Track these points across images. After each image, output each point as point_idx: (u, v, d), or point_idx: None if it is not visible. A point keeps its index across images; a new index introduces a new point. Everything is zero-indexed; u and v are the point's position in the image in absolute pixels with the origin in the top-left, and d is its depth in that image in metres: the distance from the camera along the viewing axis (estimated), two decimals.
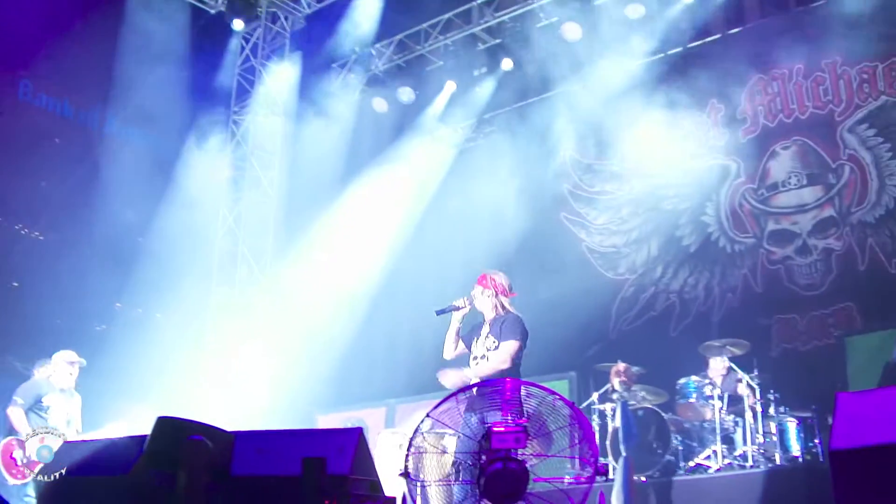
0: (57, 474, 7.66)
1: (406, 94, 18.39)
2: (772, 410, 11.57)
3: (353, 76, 18.84)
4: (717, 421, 11.51)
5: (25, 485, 10.85)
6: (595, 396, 12.87)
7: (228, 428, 7.65)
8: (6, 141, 16.94)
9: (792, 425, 11.51)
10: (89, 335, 16.59)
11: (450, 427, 6.33)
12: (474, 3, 17.16)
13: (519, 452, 6.03)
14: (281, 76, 18.70)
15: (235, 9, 18.14)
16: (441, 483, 6.50)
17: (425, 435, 6.49)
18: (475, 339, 8.99)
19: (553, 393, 6.37)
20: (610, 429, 12.04)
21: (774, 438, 11.43)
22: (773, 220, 15.14)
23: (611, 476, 10.66)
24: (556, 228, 17.52)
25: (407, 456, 6.32)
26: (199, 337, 17.16)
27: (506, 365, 8.47)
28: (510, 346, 8.58)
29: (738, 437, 11.67)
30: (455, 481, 6.57)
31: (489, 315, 9.02)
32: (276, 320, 17.13)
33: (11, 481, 10.96)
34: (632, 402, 11.98)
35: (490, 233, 16.91)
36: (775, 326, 14.67)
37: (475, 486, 6.06)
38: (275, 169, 18.68)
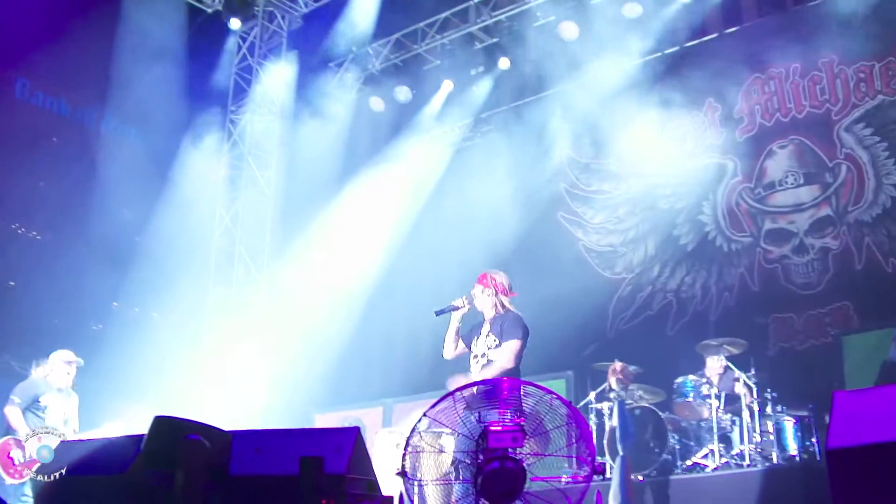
0: (54, 474, 7.65)
1: (403, 93, 18.39)
2: (769, 409, 11.59)
3: (349, 75, 18.84)
4: (715, 420, 11.51)
5: (23, 484, 10.84)
6: (592, 395, 12.87)
7: (226, 427, 7.64)
8: (3, 140, 16.93)
9: (789, 424, 11.52)
10: (86, 335, 16.60)
11: (447, 426, 6.33)
12: (471, 3, 17.16)
13: (516, 451, 6.03)
14: (278, 75, 18.69)
15: (232, 8, 18.17)
16: (438, 482, 6.51)
17: (422, 434, 6.49)
18: (475, 338, 9.08)
19: (550, 392, 6.37)
20: (607, 428, 12.04)
21: (771, 437, 11.44)
22: (769, 220, 15.15)
23: (608, 475, 10.65)
24: (552, 228, 17.53)
25: (404, 455, 6.32)
26: (196, 336, 17.15)
27: (511, 364, 8.61)
28: (513, 345, 8.71)
29: (735, 436, 11.68)
30: (452, 480, 6.57)
31: (489, 314, 9.10)
32: (274, 320, 17.14)
33: (9, 481, 10.94)
34: (629, 402, 11.98)
35: (487, 232, 16.90)
36: (772, 325, 14.68)
37: (472, 485, 6.06)
38: (271, 168, 18.67)
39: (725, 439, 11.66)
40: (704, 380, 12.28)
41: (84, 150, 18.37)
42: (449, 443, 7.23)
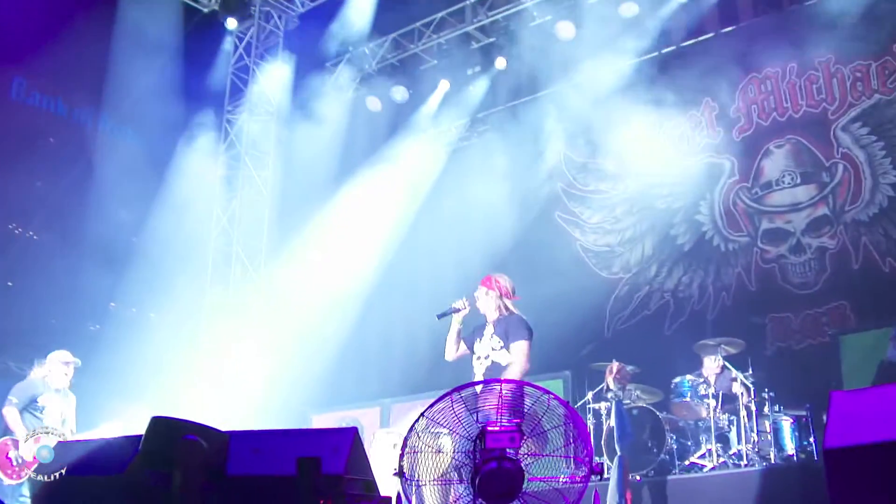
0: (53, 474, 7.65)
1: (400, 93, 18.42)
2: (766, 409, 11.61)
3: (346, 75, 18.85)
4: (712, 420, 11.53)
5: (20, 485, 10.84)
6: (590, 396, 12.89)
7: (223, 428, 7.64)
8: None
9: (786, 424, 11.53)
10: (83, 335, 16.59)
11: (445, 426, 6.33)
12: (467, 2, 17.18)
13: (513, 452, 6.02)
14: (274, 75, 18.67)
15: (229, 7, 18.15)
16: (436, 482, 6.50)
17: (420, 434, 6.48)
18: (478, 339, 9.20)
19: (548, 392, 6.36)
20: (605, 428, 12.06)
21: (769, 437, 11.46)
22: (766, 219, 15.16)
23: (606, 475, 10.64)
24: (550, 227, 17.53)
25: (402, 455, 6.31)
26: (194, 337, 17.12)
27: (528, 365, 8.84)
28: (524, 346, 8.92)
29: (732, 435, 11.69)
30: (450, 481, 6.56)
31: (492, 316, 9.23)
32: (271, 320, 17.11)
33: (7, 481, 10.95)
34: (626, 402, 12.00)
35: (484, 232, 16.89)
36: (769, 325, 14.69)
37: (470, 486, 6.06)
38: (268, 168, 18.65)
39: (723, 439, 11.68)
40: (702, 380, 12.29)
41: (81, 151, 18.34)
42: (447, 443, 7.23)
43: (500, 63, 17.36)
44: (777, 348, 14.53)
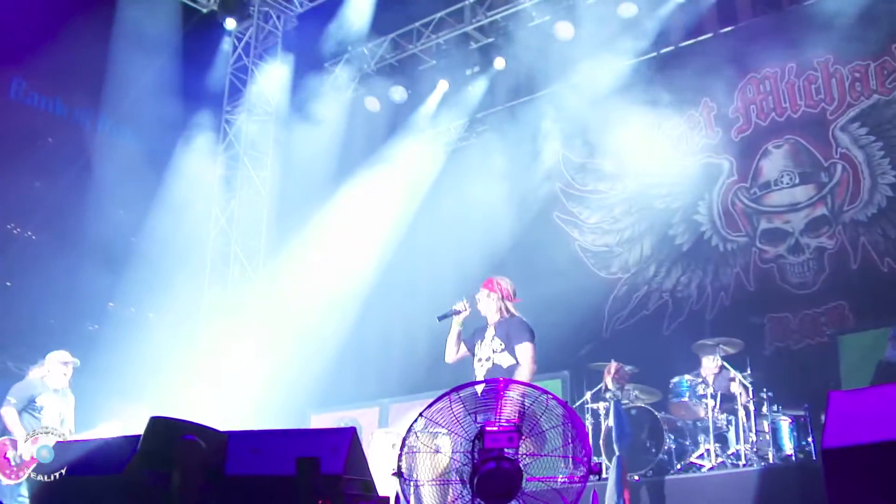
0: (53, 474, 7.65)
1: (398, 93, 18.43)
2: (765, 409, 11.60)
3: (345, 75, 18.87)
4: (711, 420, 11.53)
5: (19, 485, 10.84)
6: (588, 395, 12.89)
7: (222, 428, 7.65)
8: None
9: (785, 424, 11.52)
10: (82, 335, 16.62)
11: (443, 426, 6.33)
12: (466, 3, 17.19)
13: (512, 452, 6.03)
14: (273, 75, 18.68)
15: (227, 8, 18.14)
16: (434, 483, 6.50)
17: (418, 434, 6.48)
18: (479, 341, 9.27)
19: (546, 392, 6.37)
20: (603, 428, 12.06)
21: (767, 437, 11.45)
22: (765, 219, 15.16)
23: (604, 475, 10.65)
24: (548, 228, 17.53)
25: (400, 455, 6.31)
26: (192, 337, 17.13)
27: (534, 366, 8.98)
28: (529, 348, 9.05)
29: (731, 435, 11.69)
30: (448, 481, 6.57)
31: (493, 318, 9.30)
32: (269, 320, 17.12)
33: (5, 481, 10.95)
34: (625, 401, 12.00)
35: (482, 232, 16.89)
36: (768, 325, 14.69)
37: (468, 486, 6.06)
38: (267, 168, 18.65)
39: (721, 439, 11.68)
40: (700, 380, 12.29)
41: (80, 151, 18.36)
42: (445, 443, 7.23)
43: (499, 63, 17.37)
44: (775, 348, 14.53)
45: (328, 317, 16.91)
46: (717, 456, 11.32)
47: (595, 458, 9.61)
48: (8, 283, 17.51)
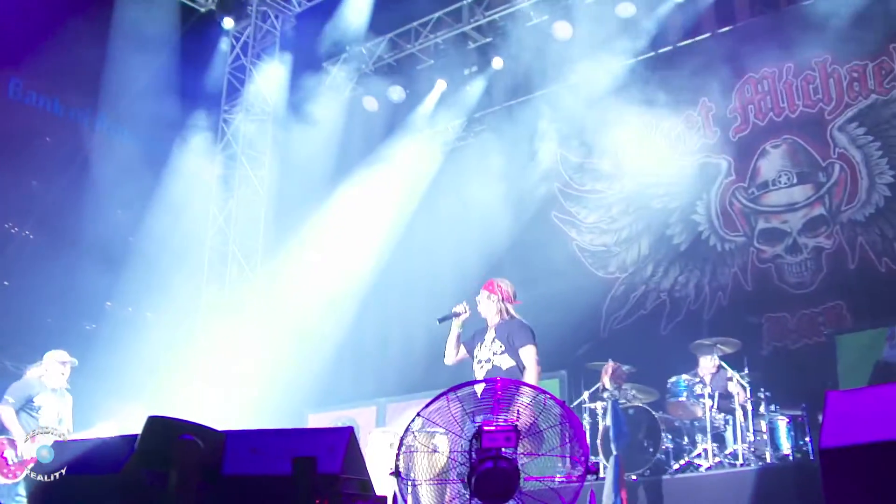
0: (53, 474, 7.64)
1: (396, 92, 18.44)
2: (762, 409, 11.58)
3: (343, 75, 18.88)
4: (708, 419, 11.52)
5: (17, 484, 10.84)
6: (586, 395, 12.88)
7: (219, 427, 7.65)
8: None
9: (782, 423, 11.52)
10: (79, 334, 16.61)
11: (441, 426, 6.33)
12: (464, 2, 17.19)
13: (510, 451, 6.03)
14: (271, 75, 18.69)
15: (225, 7, 18.17)
16: (432, 482, 6.51)
17: (416, 434, 6.49)
18: (479, 343, 9.29)
19: (544, 392, 6.38)
20: (601, 427, 12.05)
21: (765, 437, 11.45)
22: (763, 219, 15.16)
23: (602, 475, 10.67)
24: (546, 227, 17.51)
25: (398, 455, 6.32)
26: (190, 336, 17.13)
27: (539, 368, 8.99)
28: (532, 351, 9.07)
29: (728, 435, 11.69)
30: (446, 480, 6.57)
31: (493, 320, 9.32)
32: (267, 319, 17.13)
33: (3, 481, 10.93)
34: (622, 401, 11.98)
35: (480, 232, 16.90)
36: (766, 325, 14.69)
37: (466, 485, 6.06)
38: (265, 168, 18.67)
39: (719, 438, 11.67)
40: (698, 379, 12.28)
41: (77, 150, 18.35)
42: (443, 443, 7.24)
43: (497, 63, 17.38)
44: (773, 348, 14.52)
45: (326, 316, 16.91)
46: (714, 455, 11.31)
47: (592, 458, 9.65)
48: (5, 283, 17.50)
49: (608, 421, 11.43)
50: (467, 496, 6.02)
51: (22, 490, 10.58)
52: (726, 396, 11.83)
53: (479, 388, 6.42)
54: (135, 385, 15.00)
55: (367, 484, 6.99)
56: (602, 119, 15.97)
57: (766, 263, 14.97)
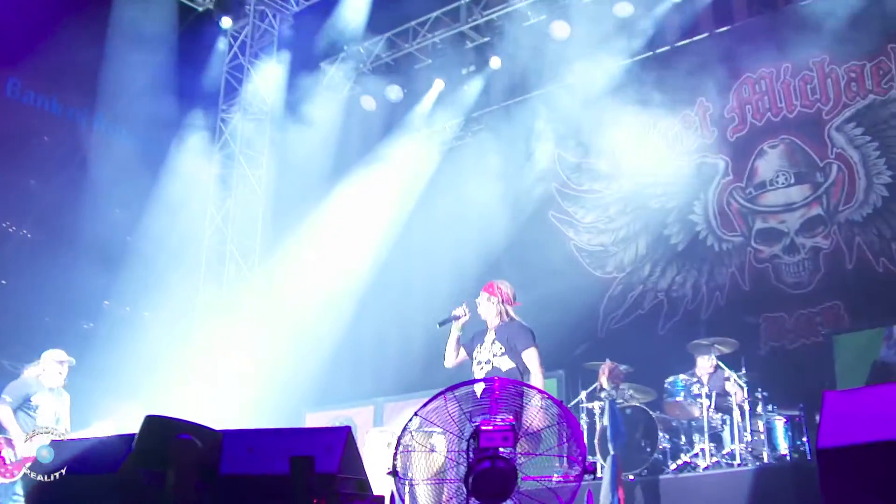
0: (53, 474, 7.64)
1: (394, 92, 18.43)
2: (759, 409, 11.59)
3: (340, 74, 18.86)
4: (705, 419, 11.52)
5: (14, 483, 10.83)
6: (583, 395, 12.88)
7: (217, 426, 7.64)
8: None
9: (780, 423, 11.53)
10: (77, 333, 16.61)
11: (438, 425, 6.33)
12: (462, 2, 17.20)
13: (507, 451, 6.03)
14: (269, 74, 18.69)
15: (223, 6, 18.18)
16: (429, 482, 6.50)
17: (413, 433, 6.48)
18: (478, 345, 9.33)
19: (541, 391, 6.38)
20: (598, 427, 12.05)
21: (762, 437, 11.45)
22: (760, 219, 15.16)
23: (599, 475, 10.67)
24: (544, 227, 17.50)
25: (395, 454, 6.31)
26: (187, 335, 17.14)
27: (543, 370, 9.12)
28: (535, 353, 9.17)
29: (725, 435, 11.70)
30: (443, 480, 6.57)
31: (493, 322, 9.36)
32: (265, 319, 17.13)
33: (0, 480, 10.93)
34: (620, 401, 11.98)
35: (478, 231, 16.90)
36: (763, 325, 14.69)
37: (463, 485, 6.06)
38: (262, 167, 18.66)
39: (716, 438, 11.68)
40: (695, 379, 12.28)
41: (75, 149, 18.35)
42: (440, 442, 7.24)
43: (495, 63, 17.39)
44: (770, 348, 14.53)
45: (323, 316, 16.91)
46: (711, 455, 11.32)
47: (590, 458, 9.65)
48: (3, 282, 17.50)
49: (606, 421, 11.43)
50: (464, 496, 6.02)
51: (19, 489, 10.58)
52: (724, 396, 11.83)
53: (476, 388, 6.42)
54: (132, 384, 15.00)
55: (364, 483, 6.99)
56: (600, 119, 15.97)
57: (764, 263, 14.97)
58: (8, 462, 10.95)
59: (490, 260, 16.45)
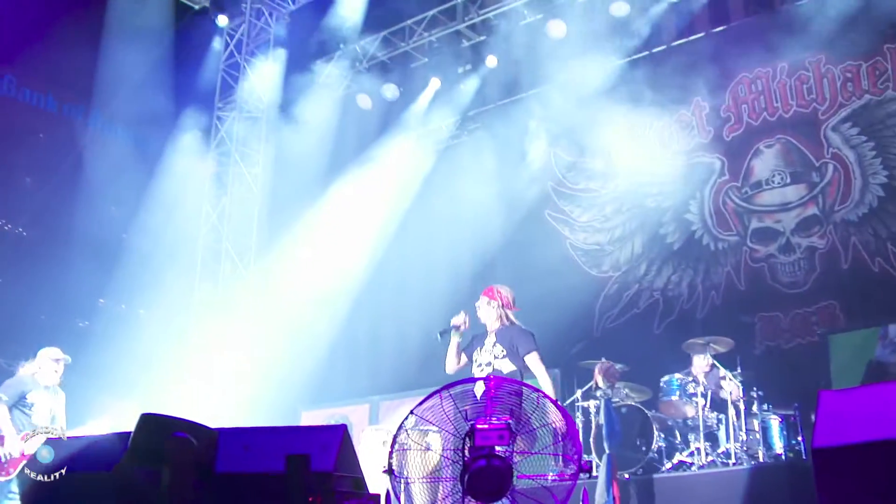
0: (53, 474, 7.63)
1: (390, 90, 18.41)
2: (755, 408, 11.61)
3: (336, 72, 18.84)
4: (701, 418, 11.52)
5: (9, 481, 10.82)
6: (579, 394, 12.87)
7: (212, 424, 7.64)
8: None
9: (775, 423, 11.53)
10: (72, 331, 16.58)
11: (434, 424, 6.33)
12: (458, 1, 17.18)
13: (503, 449, 6.03)
14: (265, 72, 18.67)
15: (219, 4, 18.17)
16: (425, 480, 6.51)
17: (409, 432, 6.49)
18: (478, 348, 9.41)
19: (537, 390, 6.39)
20: (594, 426, 12.05)
21: (757, 436, 11.46)
22: (756, 218, 15.17)
23: (594, 473, 10.65)
24: (539, 226, 17.49)
25: (391, 453, 6.31)
26: (183, 333, 17.13)
27: (548, 373, 9.21)
28: (537, 357, 9.34)
29: (721, 434, 11.69)
30: (439, 478, 6.57)
31: (493, 325, 9.45)
32: (260, 317, 17.12)
33: None
34: (615, 400, 11.99)
35: (474, 230, 16.89)
36: (759, 324, 14.70)
37: (459, 483, 6.06)
38: (258, 165, 18.65)
39: (711, 437, 11.67)
40: (691, 378, 12.29)
41: (71, 147, 18.32)
42: (436, 440, 7.24)
43: (491, 61, 17.38)
44: (766, 347, 14.54)
45: (319, 314, 16.91)
46: (707, 454, 11.32)
47: (585, 456, 9.65)
48: None
49: (601, 419, 11.46)
50: (460, 494, 6.02)
51: (15, 487, 10.56)
52: (719, 395, 11.84)
53: (476, 390, 6.42)
54: (128, 382, 14.99)
55: (360, 482, 6.98)
56: (596, 118, 15.95)
57: (760, 263, 14.98)
58: (3, 460, 10.95)
59: (486, 258, 16.45)
